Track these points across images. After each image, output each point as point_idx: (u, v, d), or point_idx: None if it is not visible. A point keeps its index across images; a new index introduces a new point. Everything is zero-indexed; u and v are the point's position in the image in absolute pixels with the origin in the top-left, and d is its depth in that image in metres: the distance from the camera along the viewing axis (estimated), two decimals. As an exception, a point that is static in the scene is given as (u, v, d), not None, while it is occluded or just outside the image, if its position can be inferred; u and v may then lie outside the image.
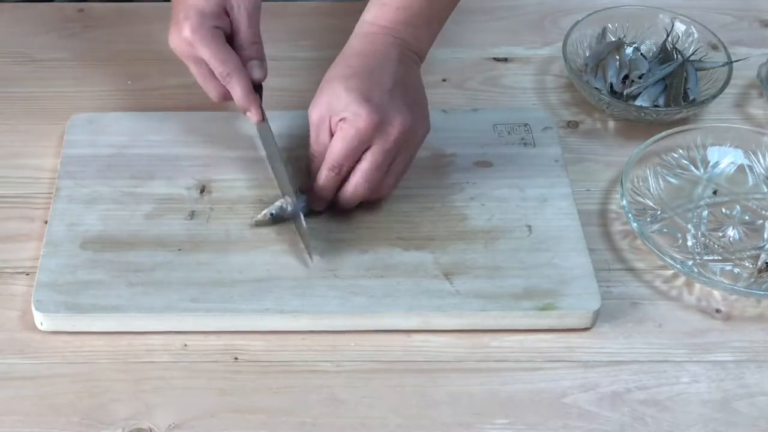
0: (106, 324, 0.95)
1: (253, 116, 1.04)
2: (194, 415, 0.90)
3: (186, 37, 1.01)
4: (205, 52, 1.01)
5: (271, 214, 1.01)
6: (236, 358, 0.94)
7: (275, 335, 0.96)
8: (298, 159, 1.06)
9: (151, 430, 0.89)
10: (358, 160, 0.99)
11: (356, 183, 1.00)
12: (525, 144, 1.11)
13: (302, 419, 0.90)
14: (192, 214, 1.03)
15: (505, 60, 1.23)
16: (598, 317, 0.97)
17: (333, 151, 0.99)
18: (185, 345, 0.95)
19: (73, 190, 1.04)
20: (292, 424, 0.90)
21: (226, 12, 1.03)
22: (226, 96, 1.03)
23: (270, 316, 0.95)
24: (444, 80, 1.20)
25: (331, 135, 1.00)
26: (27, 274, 0.99)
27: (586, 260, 1.00)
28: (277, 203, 1.02)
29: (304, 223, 1.00)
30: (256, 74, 1.04)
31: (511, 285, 0.98)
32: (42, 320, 0.95)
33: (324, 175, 1.00)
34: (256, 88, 1.04)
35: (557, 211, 1.04)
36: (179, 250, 1.00)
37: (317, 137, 1.01)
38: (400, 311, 0.96)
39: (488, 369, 0.94)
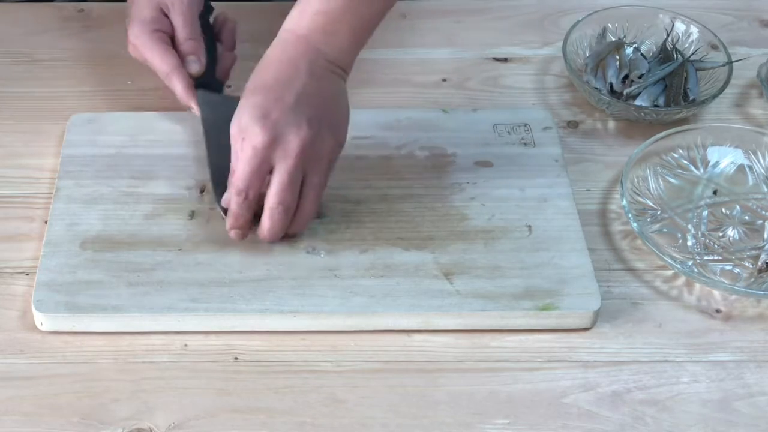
0: (106, 324, 0.95)
1: (195, 111, 1.08)
2: (194, 415, 0.90)
3: (133, 44, 1.09)
4: (147, 55, 1.08)
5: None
6: (236, 358, 0.94)
7: (275, 335, 0.96)
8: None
9: (151, 430, 0.89)
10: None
11: (270, 208, 0.97)
12: (525, 144, 1.11)
13: (302, 419, 0.90)
14: (192, 214, 1.03)
15: (505, 60, 1.23)
16: (598, 317, 0.97)
17: (236, 174, 0.96)
18: (185, 345, 0.95)
19: (73, 190, 1.04)
20: (292, 424, 0.90)
21: (165, 15, 1.09)
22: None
23: (270, 316, 0.95)
24: (444, 80, 1.20)
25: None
26: (27, 274, 0.99)
27: (586, 260, 1.00)
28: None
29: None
30: (192, 69, 1.08)
31: (511, 285, 0.98)
32: (42, 320, 0.95)
33: (234, 201, 0.97)
34: (214, 82, 1.10)
35: (557, 211, 1.04)
36: (179, 250, 1.00)
37: (232, 156, 0.98)
38: (400, 311, 0.96)
39: (488, 369, 0.94)
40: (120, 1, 1.27)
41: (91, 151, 1.08)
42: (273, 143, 0.95)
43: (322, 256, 1.00)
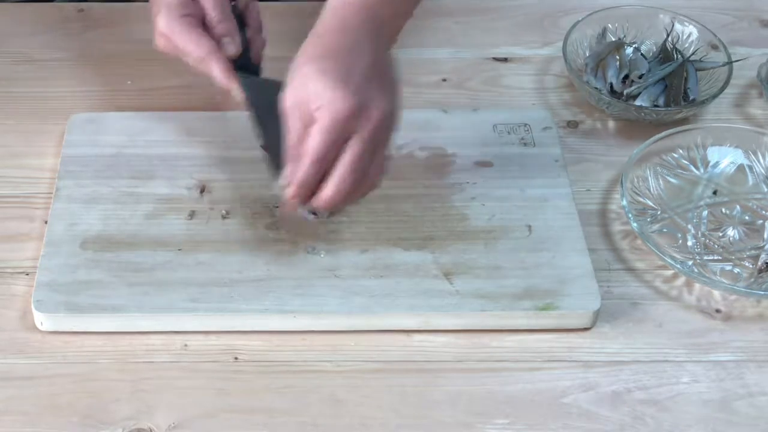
0: (106, 324, 0.95)
1: (236, 94, 1.01)
2: (194, 415, 0.90)
3: (162, 32, 1.00)
4: (180, 42, 1.00)
5: None
6: (236, 358, 0.94)
7: (275, 335, 0.96)
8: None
9: (151, 430, 0.89)
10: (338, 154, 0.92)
11: (340, 177, 0.92)
12: (525, 144, 1.11)
13: (302, 419, 0.90)
14: (192, 214, 1.03)
15: (505, 60, 1.23)
16: (598, 317, 0.97)
17: (312, 144, 0.91)
18: (185, 345, 0.95)
19: (73, 190, 1.04)
20: (292, 424, 0.90)
21: None
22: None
23: (270, 316, 0.95)
24: (444, 80, 1.20)
25: (306, 125, 0.92)
26: (27, 274, 0.99)
27: (586, 260, 1.00)
28: None
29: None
30: (230, 50, 1.01)
31: (511, 285, 0.98)
32: (42, 320, 0.95)
33: (304, 171, 0.92)
34: (250, 65, 1.03)
35: (557, 211, 1.04)
36: (179, 250, 1.00)
37: (292, 126, 0.92)
38: (400, 311, 0.96)
39: (488, 369, 0.94)
40: (120, 0, 1.28)
41: (91, 151, 1.08)
42: (356, 113, 0.90)
43: (322, 256, 1.00)
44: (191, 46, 1.00)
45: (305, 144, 0.92)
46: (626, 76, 1.17)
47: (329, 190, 0.93)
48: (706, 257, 1.03)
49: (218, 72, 1.00)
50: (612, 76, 1.17)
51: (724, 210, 1.07)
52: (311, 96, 0.91)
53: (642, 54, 1.20)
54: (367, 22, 0.94)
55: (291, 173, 0.93)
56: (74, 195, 1.04)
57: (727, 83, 1.16)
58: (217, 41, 1.01)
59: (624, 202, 1.04)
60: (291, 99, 0.92)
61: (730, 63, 1.17)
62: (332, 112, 0.90)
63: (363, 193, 0.96)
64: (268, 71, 1.06)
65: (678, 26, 1.22)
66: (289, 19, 1.26)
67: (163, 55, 1.03)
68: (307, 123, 0.91)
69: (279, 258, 0.99)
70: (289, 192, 0.93)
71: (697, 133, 1.11)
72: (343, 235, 1.02)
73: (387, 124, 0.93)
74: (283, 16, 1.26)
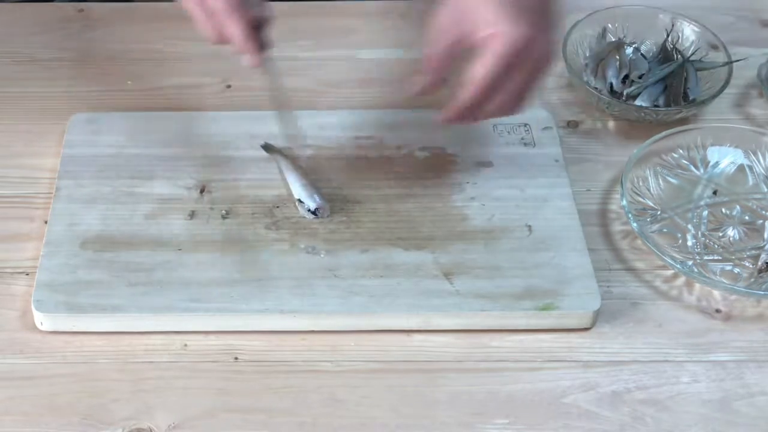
0: (106, 324, 0.95)
1: (249, 59, 0.97)
2: (194, 415, 0.90)
3: None
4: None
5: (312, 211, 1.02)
6: (236, 358, 0.94)
7: (275, 335, 0.96)
8: (296, 158, 1.06)
9: (151, 430, 0.89)
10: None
11: (509, 100, 0.95)
12: (525, 144, 1.11)
13: (302, 419, 0.90)
14: (192, 214, 1.03)
15: (505, 60, 1.23)
16: (598, 317, 0.97)
17: (484, 69, 0.92)
18: (185, 345, 0.95)
19: (73, 190, 1.04)
20: (292, 424, 0.90)
21: None
22: (224, 38, 0.97)
23: (270, 316, 0.95)
24: (443, 80, 1.20)
25: (462, 44, 0.93)
26: (27, 274, 0.99)
27: (586, 260, 1.00)
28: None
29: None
30: (259, 12, 0.97)
31: (511, 285, 0.98)
32: (42, 320, 0.95)
33: (471, 96, 0.94)
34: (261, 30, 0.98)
35: (557, 211, 1.04)
36: (179, 250, 1.00)
37: (444, 41, 0.94)
38: (400, 311, 0.96)
39: (488, 369, 0.94)
40: (120, 0, 1.28)
41: (91, 151, 1.08)
42: (530, 44, 0.91)
43: (322, 256, 1.00)
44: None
45: (473, 69, 0.93)
46: (626, 76, 1.17)
47: (492, 107, 0.95)
48: (706, 257, 1.03)
49: (239, 32, 0.95)
50: (612, 76, 1.17)
51: (724, 210, 1.07)
52: (481, 21, 0.92)
53: (642, 54, 1.20)
54: None
55: (457, 98, 0.95)
56: (74, 195, 1.04)
57: (727, 83, 1.16)
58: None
59: (624, 202, 1.04)
60: (451, 17, 0.93)
61: (730, 63, 1.17)
62: (509, 41, 0.91)
63: (511, 110, 0.97)
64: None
65: (678, 26, 1.22)
66: (290, 19, 1.26)
67: (165, 55, 1.01)
68: (464, 43, 0.93)
69: (279, 258, 0.99)
70: (450, 113, 0.96)
71: (697, 133, 1.11)
72: (343, 235, 1.02)
73: (551, 56, 0.95)
74: (283, 16, 1.26)
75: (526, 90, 0.96)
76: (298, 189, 1.03)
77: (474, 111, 0.97)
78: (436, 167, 1.08)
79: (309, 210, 1.02)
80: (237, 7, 0.95)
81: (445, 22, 0.94)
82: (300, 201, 1.02)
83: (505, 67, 0.92)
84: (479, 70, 0.93)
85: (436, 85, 0.96)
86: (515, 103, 0.96)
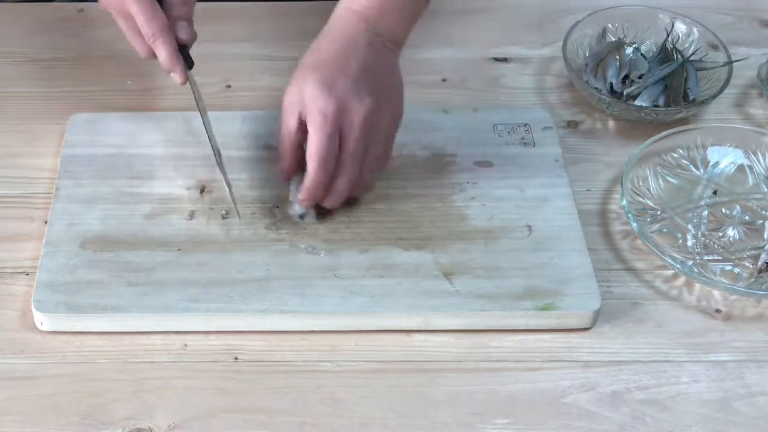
0: (106, 324, 0.95)
1: (177, 77, 1.03)
2: (194, 415, 0.90)
3: None
4: (133, 8, 1.00)
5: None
6: (236, 358, 0.94)
7: (275, 335, 0.96)
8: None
9: (151, 430, 0.89)
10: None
11: (355, 171, 1.00)
12: (525, 144, 1.11)
13: (302, 419, 0.90)
14: (192, 214, 1.03)
15: (505, 60, 1.23)
16: (598, 317, 0.97)
17: (314, 145, 0.98)
18: (185, 345, 0.95)
19: (73, 190, 1.04)
20: (292, 424, 0.90)
21: None
22: (153, 54, 1.02)
23: (270, 316, 0.95)
24: (444, 80, 1.20)
25: (301, 123, 0.99)
26: (27, 274, 0.99)
27: (586, 260, 1.00)
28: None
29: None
30: (183, 35, 1.02)
31: (511, 285, 0.98)
32: (42, 320, 0.95)
33: (313, 175, 0.99)
34: (182, 48, 1.03)
35: (557, 211, 1.04)
36: (179, 250, 1.00)
37: (287, 122, 1.00)
38: (400, 311, 0.96)
39: (488, 369, 0.94)
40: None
41: (91, 151, 1.08)
42: (340, 112, 0.97)
43: (322, 256, 1.00)
44: (143, 20, 1.00)
45: (308, 150, 0.98)
46: (626, 76, 1.17)
47: (343, 183, 1.00)
48: (706, 257, 1.03)
49: (164, 53, 1.01)
50: (612, 76, 1.17)
51: (724, 210, 1.07)
52: (305, 98, 0.98)
53: (642, 54, 1.20)
54: (364, 32, 1.02)
55: (289, 172, 1.02)
56: (74, 195, 1.04)
57: (727, 83, 1.16)
58: (172, 22, 1.02)
59: (624, 202, 1.04)
60: (288, 99, 1.00)
61: (730, 63, 1.17)
62: (319, 111, 0.97)
63: (362, 188, 1.03)
64: (269, 71, 1.06)
65: (678, 26, 1.22)
66: (290, 19, 1.26)
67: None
68: (300, 119, 0.99)
69: (279, 258, 0.99)
70: (303, 195, 1.00)
71: (697, 133, 1.11)
72: (343, 235, 1.02)
73: (370, 125, 0.99)
74: (283, 16, 1.26)
75: (360, 155, 0.99)
76: (292, 190, 1.03)
77: (327, 187, 1.00)
78: (436, 167, 1.08)
79: (296, 213, 1.02)
80: (161, 31, 1.00)
81: (285, 102, 1.00)
82: (291, 202, 1.02)
83: (327, 136, 0.97)
84: (310, 151, 0.98)
85: (294, 165, 1.01)
86: (355, 171, 1.00)
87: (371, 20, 1.02)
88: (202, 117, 1.06)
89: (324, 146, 0.98)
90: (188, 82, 1.04)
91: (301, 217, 1.02)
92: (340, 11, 1.04)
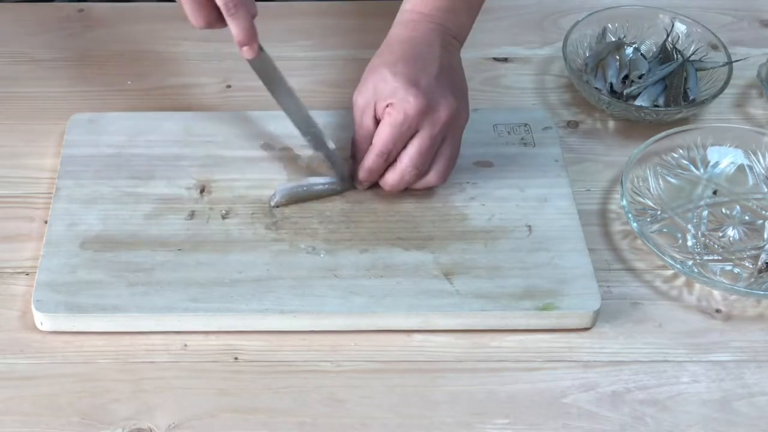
0: (106, 324, 0.95)
1: (249, 52, 0.99)
2: (194, 415, 0.90)
3: None
4: None
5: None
6: (236, 358, 0.94)
7: (275, 335, 0.96)
8: (296, 158, 1.06)
9: (151, 430, 0.89)
10: (404, 146, 1.01)
11: (403, 168, 1.01)
12: (525, 144, 1.11)
13: (302, 419, 0.90)
14: (192, 214, 1.03)
15: (505, 60, 1.23)
16: (598, 317, 0.97)
17: (381, 136, 1.00)
18: (185, 345, 0.95)
19: (73, 190, 1.04)
20: (292, 424, 0.90)
21: None
22: (212, 24, 0.98)
23: (270, 316, 0.95)
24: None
25: (376, 121, 1.01)
26: (27, 274, 0.99)
27: (586, 260, 1.00)
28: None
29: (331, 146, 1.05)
30: (253, 9, 0.99)
31: (511, 285, 0.98)
32: (42, 320, 0.95)
33: (371, 160, 1.01)
34: None
35: (557, 211, 1.04)
36: (179, 250, 1.00)
37: (362, 122, 1.02)
38: (400, 311, 0.96)
39: (488, 369, 0.94)
40: (120, 0, 1.28)
41: (91, 151, 1.08)
42: (425, 110, 0.99)
43: (322, 256, 1.00)
44: None
45: (375, 136, 1.01)
46: (626, 76, 1.17)
47: (392, 175, 1.02)
48: (706, 257, 1.03)
49: (244, 25, 0.97)
50: (612, 76, 1.17)
51: (724, 210, 1.07)
52: (384, 95, 1.00)
53: (642, 54, 1.20)
54: (434, 32, 1.04)
55: (361, 162, 1.02)
56: (74, 195, 1.04)
57: (727, 83, 1.16)
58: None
59: (624, 202, 1.04)
60: (364, 98, 1.02)
61: (730, 63, 1.17)
62: (403, 108, 0.99)
63: (429, 184, 1.04)
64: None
65: (678, 26, 1.22)
66: (290, 19, 1.26)
67: (165, 55, 1.01)
68: (376, 118, 1.01)
69: (279, 258, 0.99)
70: (359, 177, 1.03)
71: (697, 133, 1.11)
72: (343, 235, 1.02)
73: (452, 123, 1.01)
74: (283, 16, 1.26)
75: (429, 155, 1.01)
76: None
77: (380, 175, 1.03)
78: (436, 167, 1.08)
79: (275, 204, 1.03)
80: (244, 2, 0.96)
81: (360, 102, 1.02)
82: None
83: (399, 134, 1.00)
84: (377, 137, 1.01)
85: (377, 165, 1.02)
86: (420, 168, 1.02)
87: (440, 20, 1.05)
88: (278, 97, 1.04)
89: (391, 141, 1.00)
90: (259, 58, 1.00)
91: (278, 205, 1.03)
92: (406, 14, 1.06)
